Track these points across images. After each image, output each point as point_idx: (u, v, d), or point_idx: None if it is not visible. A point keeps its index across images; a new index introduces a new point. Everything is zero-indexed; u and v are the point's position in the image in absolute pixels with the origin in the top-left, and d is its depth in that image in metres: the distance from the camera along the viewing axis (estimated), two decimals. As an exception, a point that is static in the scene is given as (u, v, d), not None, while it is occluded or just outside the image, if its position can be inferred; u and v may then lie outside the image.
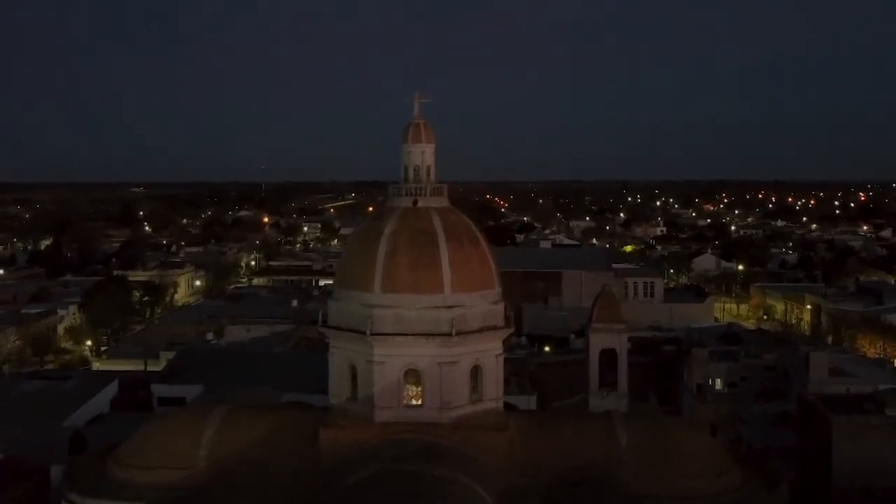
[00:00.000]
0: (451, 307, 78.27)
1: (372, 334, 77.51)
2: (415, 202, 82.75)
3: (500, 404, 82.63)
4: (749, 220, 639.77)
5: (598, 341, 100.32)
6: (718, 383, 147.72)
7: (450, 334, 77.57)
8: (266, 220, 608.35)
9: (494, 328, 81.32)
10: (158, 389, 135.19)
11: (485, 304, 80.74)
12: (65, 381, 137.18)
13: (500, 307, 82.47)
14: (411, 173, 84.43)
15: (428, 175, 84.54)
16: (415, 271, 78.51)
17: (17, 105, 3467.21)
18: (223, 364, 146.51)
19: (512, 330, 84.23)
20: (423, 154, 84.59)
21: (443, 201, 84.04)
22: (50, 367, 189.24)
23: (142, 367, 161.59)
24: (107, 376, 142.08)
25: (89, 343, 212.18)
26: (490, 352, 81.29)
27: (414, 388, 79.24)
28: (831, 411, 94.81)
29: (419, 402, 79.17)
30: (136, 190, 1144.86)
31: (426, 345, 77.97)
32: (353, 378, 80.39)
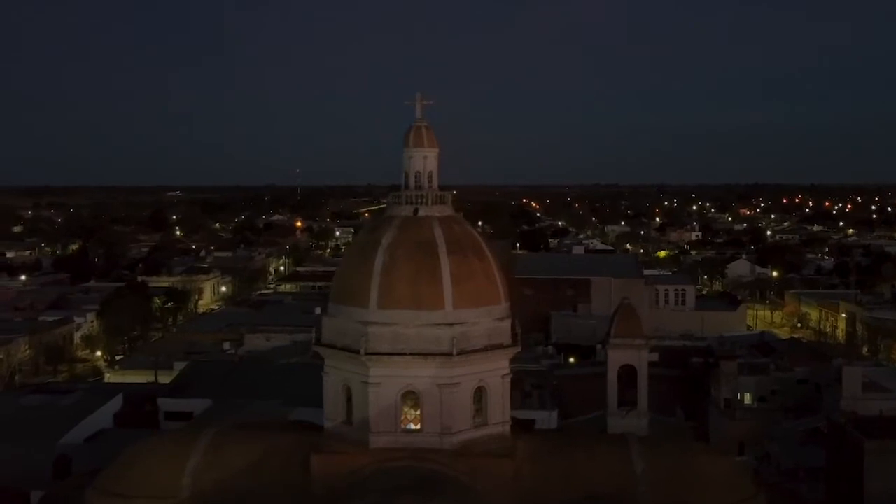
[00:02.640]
0: (452, 324, 72.54)
1: (367, 353, 72.00)
2: (415, 211, 77.16)
3: (507, 428, 76.45)
4: (785, 224, 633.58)
5: (617, 357, 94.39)
6: (747, 397, 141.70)
7: (451, 354, 71.89)
8: (299, 224, 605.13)
9: (500, 347, 75.47)
10: (165, 403, 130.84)
11: (489, 320, 74.97)
12: (67, 395, 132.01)
13: (507, 324, 76.63)
14: (412, 180, 78.83)
15: (430, 182, 78.90)
16: (413, 286, 72.87)
17: (57, 107, 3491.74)
18: (235, 376, 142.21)
19: (519, 349, 77.96)
20: (424, 159, 78.79)
21: (445, 210, 78.17)
22: (61, 377, 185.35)
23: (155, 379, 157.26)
24: (112, 390, 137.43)
25: (98, 353, 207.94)
26: (495, 372, 75.42)
27: (412, 411, 73.54)
28: (863, 434, 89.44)
29: (418, 426, 73.43)
30: (173, 194, 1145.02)
31: (425, 365, 72.31)
32: (349, 400, 75.00)
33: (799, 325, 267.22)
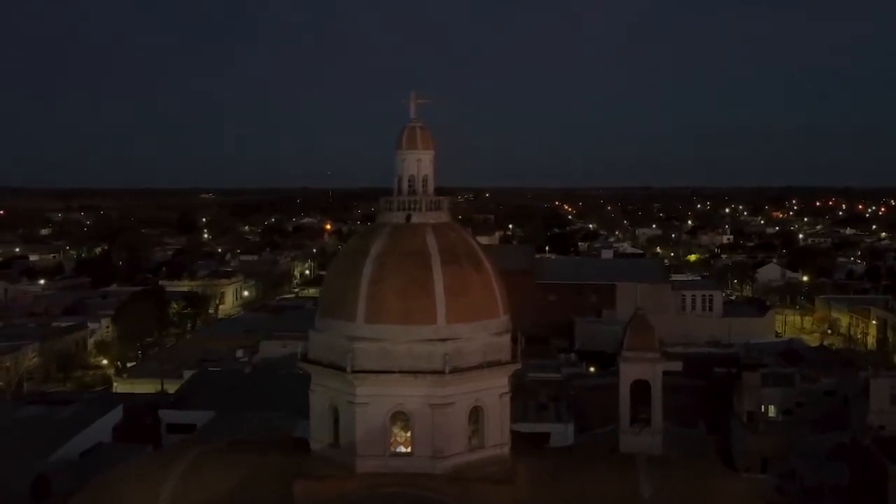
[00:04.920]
0: (445, 340, 67.40)
1: (353, 371, 67.08)
2: (408, 218, 72.14)
3: (506, 451, 71.10)
4: (818, 227, 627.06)
5: (630, 372, 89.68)
6: (772, 410, 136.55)
7: (443, 372, 66.78)
8: (328, 227, 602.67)
9: (498, 364, 70.13)
10: (167, 415, 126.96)
11: (486, 335, 69.64)
12: (65, 405, 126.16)
13: (506, 339, 71.19)
14: (405, 184, 73.80)
15: (424, 186, 73.80)
16: (404, 298, 67.78)
17: (94, 109, 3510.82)
18: (242, 386, 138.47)
19: (519, 365, 72.27)
20: (418, 162, 73.72)
21: (441, 216, 73.01)
22: (69, 385, 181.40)
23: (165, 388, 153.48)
24: (113, 400, 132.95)
25: (105, 361, 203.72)
26: (492, 391, 70.12)
27: (402, 433, 68.47)
28: (888, 456, 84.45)
29: (408, 449, 68.35)
30: (205, 196, 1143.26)
31: (416, 384, 67.12)
32: (336, 421, 70.10)
33: (829, 331, 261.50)
